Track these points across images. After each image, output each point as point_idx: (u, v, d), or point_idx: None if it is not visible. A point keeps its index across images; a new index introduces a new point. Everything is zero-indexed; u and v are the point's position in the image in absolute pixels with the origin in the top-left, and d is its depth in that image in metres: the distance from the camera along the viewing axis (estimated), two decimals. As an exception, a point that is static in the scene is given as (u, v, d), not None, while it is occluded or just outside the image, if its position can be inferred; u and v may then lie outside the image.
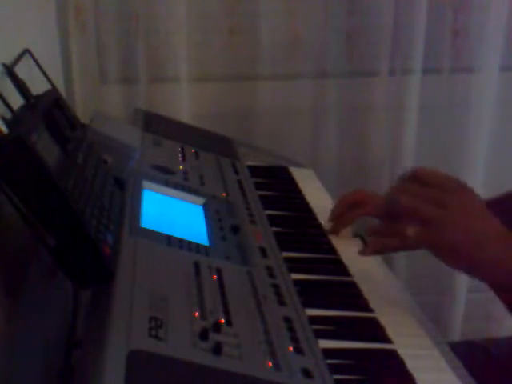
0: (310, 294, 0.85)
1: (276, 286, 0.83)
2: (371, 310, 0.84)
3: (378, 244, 0.87)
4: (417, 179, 0.82)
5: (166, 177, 1.05)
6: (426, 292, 1.59)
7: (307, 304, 0.82)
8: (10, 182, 0.67)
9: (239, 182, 1.18)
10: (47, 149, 0.73)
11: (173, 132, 1.32)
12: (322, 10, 1.63)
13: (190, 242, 0.84)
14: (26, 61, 1.00)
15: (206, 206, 0.99)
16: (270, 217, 1.07)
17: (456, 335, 1.84)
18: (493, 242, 0.78)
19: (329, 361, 0.71)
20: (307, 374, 0.66)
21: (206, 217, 0.96)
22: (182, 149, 1.22)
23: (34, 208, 0.69)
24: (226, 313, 0.71)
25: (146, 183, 0.99)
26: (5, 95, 0.84)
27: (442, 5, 1.66)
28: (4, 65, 0.89)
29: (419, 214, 0.78)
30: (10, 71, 0.89)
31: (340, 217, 1.07)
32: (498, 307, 0.84)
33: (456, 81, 1.70)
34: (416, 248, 0.83)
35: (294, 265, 0.92)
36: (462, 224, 0.78)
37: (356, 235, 1.08)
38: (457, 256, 0.79)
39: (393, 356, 0.75)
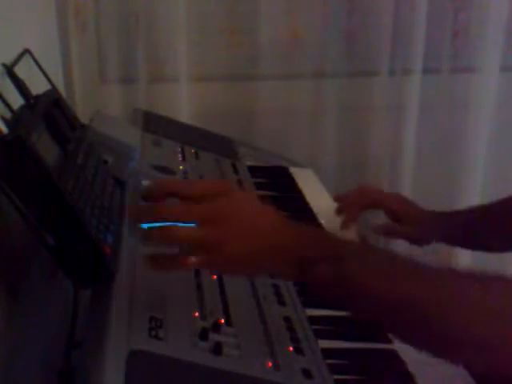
0: (309, 294, 0.85)
1: (276, 286, 0.83)
2: (371, 310, 0.84)
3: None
4: (176, 194, 0.67)
5: (166, 177, 1.05)
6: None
7: (307, 304, 0.82)
8: (10, 182, 0.67)
9: (239, 181, 1.18)
10: (47, 149, 0.73)
11: (173, 132, 1.32)
12: (322, 9, 1.63)
13: (190, 242, 0.83)
14: (26, 61, 0.99)
15: (205, 206, 0.99)
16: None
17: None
18: (276, 240, 0.67)
19: (329, 361, 0.71)
20: (307, 374, 0.66)
21: (206, 217, 0.95)
22: (182, 149, 1.21)
23: (33, 208, 0.69)
24: (226, 313, 0.71)
25: (146, 183, 0.99)
26: (5, 95, 0.83)
27: (442, 5, 1.66)
28: (4, 65, 0.89)
29: (194, 241, 0.65)
30: (10, 71, 0.89)
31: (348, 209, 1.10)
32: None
33: (456, 81, 1.70)
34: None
35: (293, 265, 0.92)
36: (238, 238, 0.66)
37: (358, 235, 1.08)
38: (248, 267, 0.68)
39: (393, 356, 0.75)
